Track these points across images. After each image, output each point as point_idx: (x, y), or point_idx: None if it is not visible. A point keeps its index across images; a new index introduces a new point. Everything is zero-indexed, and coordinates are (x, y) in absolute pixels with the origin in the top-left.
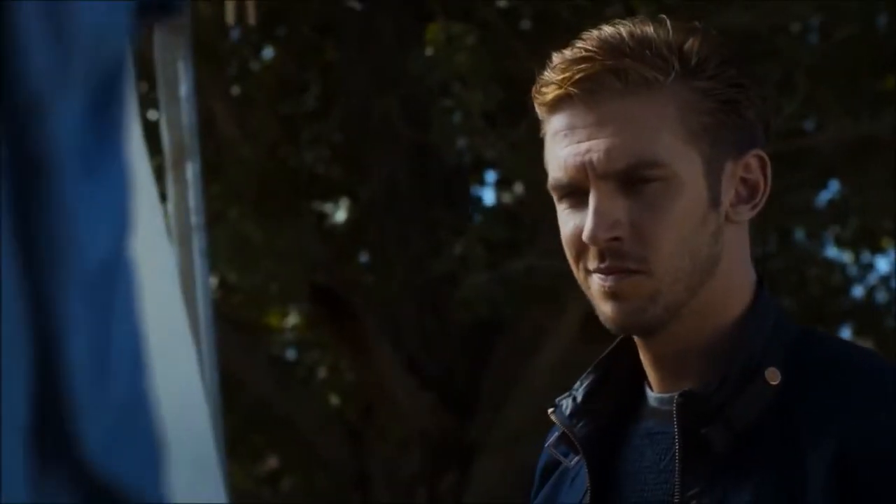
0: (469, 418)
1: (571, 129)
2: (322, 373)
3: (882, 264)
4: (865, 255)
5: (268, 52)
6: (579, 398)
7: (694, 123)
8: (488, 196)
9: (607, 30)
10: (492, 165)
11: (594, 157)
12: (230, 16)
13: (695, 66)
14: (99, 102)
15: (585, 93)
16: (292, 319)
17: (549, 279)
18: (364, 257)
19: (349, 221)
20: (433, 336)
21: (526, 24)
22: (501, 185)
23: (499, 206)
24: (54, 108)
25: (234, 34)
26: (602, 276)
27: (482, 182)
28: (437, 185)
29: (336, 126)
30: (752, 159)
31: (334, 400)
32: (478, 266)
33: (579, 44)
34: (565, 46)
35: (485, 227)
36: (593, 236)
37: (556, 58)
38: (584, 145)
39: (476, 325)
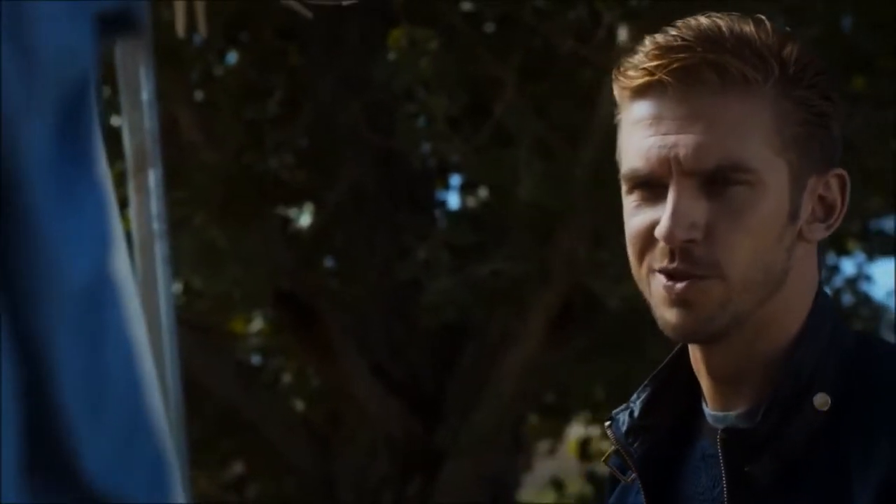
0: (436, 423)
1: (658, 119)
2: (287, 378)
3: (848, 266)
4: (831, 258)
5: (231, 57)
6: (636, 412)
7: (787, 133)
8: (453, 200)
9: (703, 21)
10: (456, 170)
11: (681, 152)
12: (180, 25)
13: (793, 74)
14: (67, 124)
15: (680, 83)
16: (257, 325)
17: (515, 283)
18: (329, 262)
19: (314, 227)
20: (399, 341)
21: (489, 28)
22: (466, 189)
23: (463, 211)
24: (23, 133)
25: (198, 39)
26: (669, 280)
27: (447, 186)
28: (402, 190)
29: (301, 131)
30: (833, 178)
31: (300, 405)
32: (441, 270)
33: (673, 31)
34: (529, 50)
35: (449, 232)
36: (670, 235)
37: (649, 42)
38: (672, 138)
39: (442, 330)
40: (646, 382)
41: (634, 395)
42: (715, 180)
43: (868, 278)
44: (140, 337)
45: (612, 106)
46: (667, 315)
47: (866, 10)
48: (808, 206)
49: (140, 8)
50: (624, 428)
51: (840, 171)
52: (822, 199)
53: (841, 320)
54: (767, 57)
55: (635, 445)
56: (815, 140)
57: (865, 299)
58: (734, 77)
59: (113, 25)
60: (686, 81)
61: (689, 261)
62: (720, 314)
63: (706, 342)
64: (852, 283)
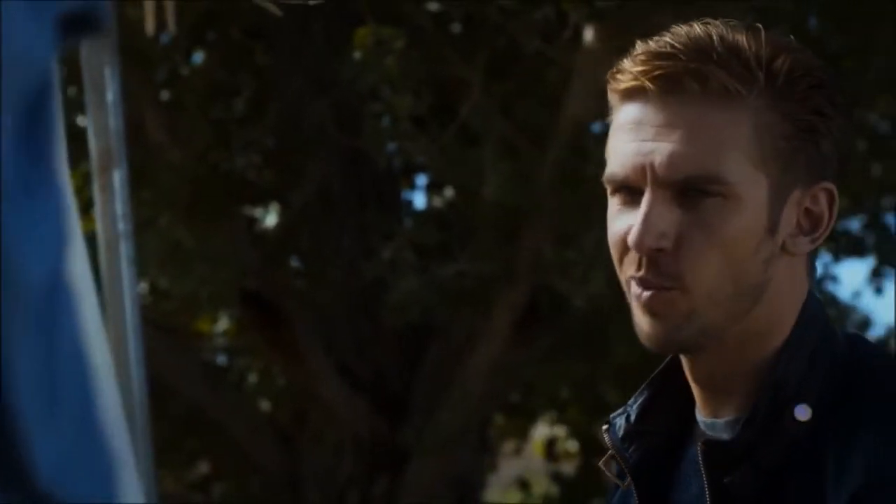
0: (401, 422)
1: (639, 124)
2: (253, 378)
3: None
4: None
5: (198, 57)
6: (633, 417)
7: (768, 146)
8: (419, 200)
9: (698, 29)
10: (422, 169)
11: (656, 160)
12: (150, 24)
13: (781, 86)
14: (27, 126)
15: (661, 91)
16: (223, 325)
17: (480, 283)
18: (295, 262)
19: (280, 226)
20: (365, 340)
21: (455, 28)
22: (432, 189)
23: (429, 210)
24: None
25: (164, 38)
26: (638, 288)
27: (413, 186)
28: (368, 190)
29: (267, 131)
30: (820, 192)
31: (266, 405)
32: (407, 270)
33: (666, 37)
34: (495, 50)
35: (415, 232)
36: (639, 242)
37: (640, 46)
38: (649, 145)
39: (408, 329)
40: (643, 386)
41: (632, 399)
42: (688, 191)
43: (834, 279)
44: (95, 339)
45: (578, 108)
46: (640, 323)
47: (832, 11)
48: (791, 220)
49: (104, 8)
50: (620, 433)
51: (828, 185)
52: (808, 212)
53: (831, 329)
54: (754, 68)
55: (631, 451)
56: (800, 154)
57: (831, 300)
58: (716, 87)
59: (77, 26)
60: (667, 89)
61: (654, 271)
62: (686, 325)
63: (681, 352)
64: (818, 283)
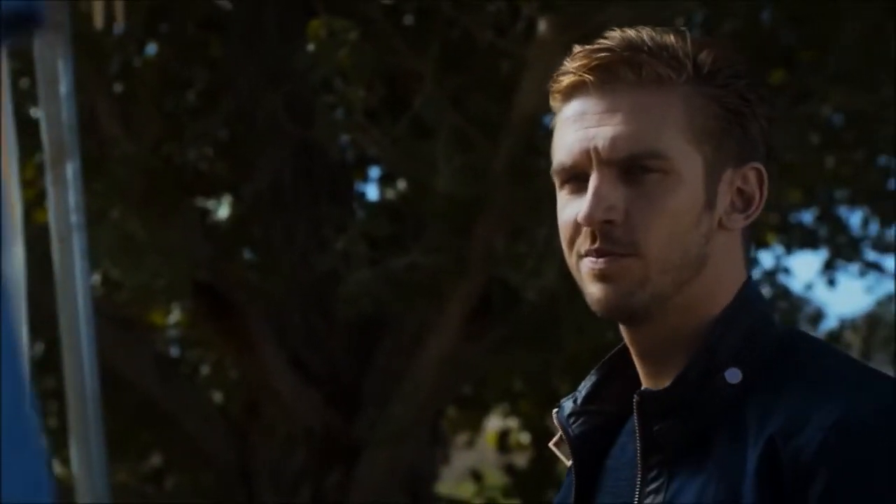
0: (354, 415)
1: (582, 115)
2: (206, 370)
3: (766, 259)
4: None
5: (151, 49)
6: (580, 399)
7: (699, 126)
8: (372, 192)
9: (630, 31)
10: (375, 162)
11: (599, 143)
12: (98, 18)
13: (707, 74)
14: None
15: (599, 81)
16: (176, 316)
17: (432, 275)
18: (248, 254)
19: (233, 218)
20: (317, 333)
21: (408, 20)
22: (384, 181)
23: (382, 203)
24: None
25: (117, 30)
26: (593, 258)
27: (366, 178)
28: (321, 182)
29: (220, 123)
30: (750, 171)
31: (218, 397)
32: (360, 262)
33: (601, 40)
34: (448, 42)
35: (368, 223)
36: (589, 216)
37: (577, 49)
38: (592, 131)
39: (360, 322)
40: (592, 371)
41: (581, 384)
42: (632, 168)
43: (786, 271)
44: (15, 339)
45: (530, 101)
46: (591, 289)
47: (786, 4)
48: (725, 197)
49: (40, 7)
50: (566, 412)
51: (757, 164)
52: (740, 191)
53: (771, 317)
54: (682, 58)
55: (574, 426)
56: (728, 135)
57: (784, 292)
58: (649, 74)
59: (14, 26)
60: (605, 79)
61: (608, 241)
62: (640, 291)
63: (630, 320)
64: (771, 275)
